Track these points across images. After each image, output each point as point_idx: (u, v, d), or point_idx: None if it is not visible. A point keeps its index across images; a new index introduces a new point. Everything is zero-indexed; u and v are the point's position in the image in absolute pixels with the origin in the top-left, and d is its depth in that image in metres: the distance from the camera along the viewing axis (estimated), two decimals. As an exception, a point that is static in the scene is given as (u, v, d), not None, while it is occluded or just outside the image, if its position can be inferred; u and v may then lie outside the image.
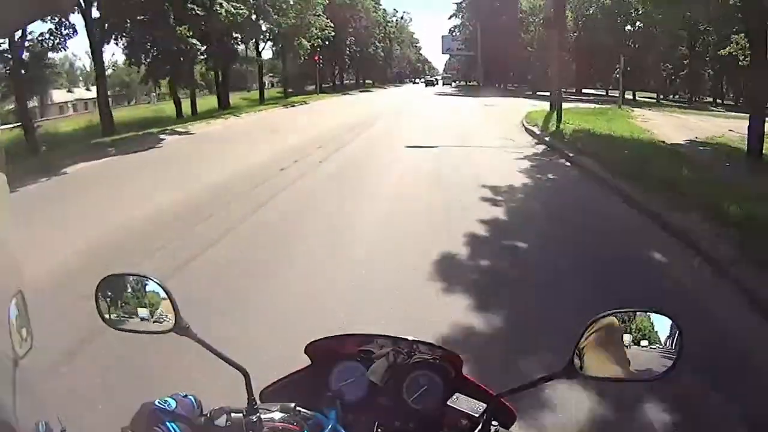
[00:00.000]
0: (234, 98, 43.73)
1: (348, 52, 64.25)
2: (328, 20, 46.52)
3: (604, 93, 64.78)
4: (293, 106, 37.29)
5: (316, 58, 49.72)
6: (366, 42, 69.65)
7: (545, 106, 24.82)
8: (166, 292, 1.23)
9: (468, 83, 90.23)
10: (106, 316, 1.27)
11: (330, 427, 1.18)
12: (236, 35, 34.33)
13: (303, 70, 52.99)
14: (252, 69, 56.17)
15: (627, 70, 54.30)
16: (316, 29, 44.25)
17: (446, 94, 56.50)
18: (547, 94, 59.98)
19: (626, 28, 57.56)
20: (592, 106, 33.30)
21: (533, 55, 58.24)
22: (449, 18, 74.91)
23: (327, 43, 57.40)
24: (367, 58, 73.20)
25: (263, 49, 44.44)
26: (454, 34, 75.77)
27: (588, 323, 1.12)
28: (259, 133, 20.51)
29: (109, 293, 1.26)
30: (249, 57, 42.02)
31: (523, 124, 21.36)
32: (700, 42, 49.37)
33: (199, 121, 25.24)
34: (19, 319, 1.09)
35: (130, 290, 1.26)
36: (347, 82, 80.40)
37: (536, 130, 18.91)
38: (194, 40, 25.71)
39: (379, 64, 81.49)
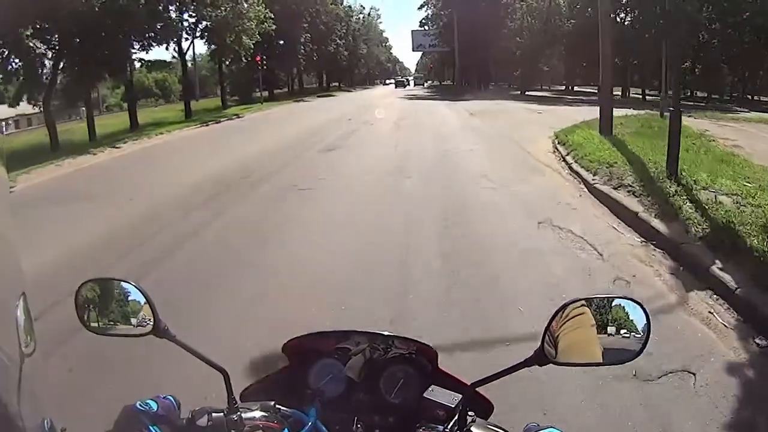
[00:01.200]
0: (163, 112, 36.30)
1: (304, 51, 54.05)
2: (268, 11, 36.19)
3: (597, 90, 55.28)
4: (217, 122, 27.98)
5: (258, 58, 40.58)
6: (325, 40, 59.53)
7: (551, 112, 22.39)
8: (145, 295, 1.22)
9: (441, 83, 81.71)
10: (86, 320, 1.26)
11: (310, 424, 1.17)
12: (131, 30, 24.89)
13: (250, 75, 42.90)
14: (209, 75, 46.89)
15: (632, 63, 45.99)
16: (251, 22, 33.91)
17: (417, 98, 46.54)
18: (539, 94, 52.15)
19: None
20: (624, 112, 23.60)
21: (521, 47, 48.10)
22: (419, 8, 64.41)
23: (278, 41, 48.89)
24: (329, 59, 63.18)
25: (187, 49, 34.96)
26: (425, 27, 65.53)
27: (557, 309, 1.10)
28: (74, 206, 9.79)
29: (89, 298, 1.26)
30: (158, 60, 31.96)
31: (582, 180, 9.96)
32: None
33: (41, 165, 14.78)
34: (25, 320, 1.04)
35: (109, 295, 1.26)
36: (310, 85, 71.18)
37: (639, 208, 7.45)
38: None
39: (343, 64, 71.59)
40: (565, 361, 1.11)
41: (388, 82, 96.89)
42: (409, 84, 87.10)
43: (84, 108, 26.88)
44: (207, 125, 26.10)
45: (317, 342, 1.40)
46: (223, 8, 32.13)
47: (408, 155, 13.68)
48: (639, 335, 1.11)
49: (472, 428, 1.13)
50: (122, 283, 1.26)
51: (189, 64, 36.89)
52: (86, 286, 1.26)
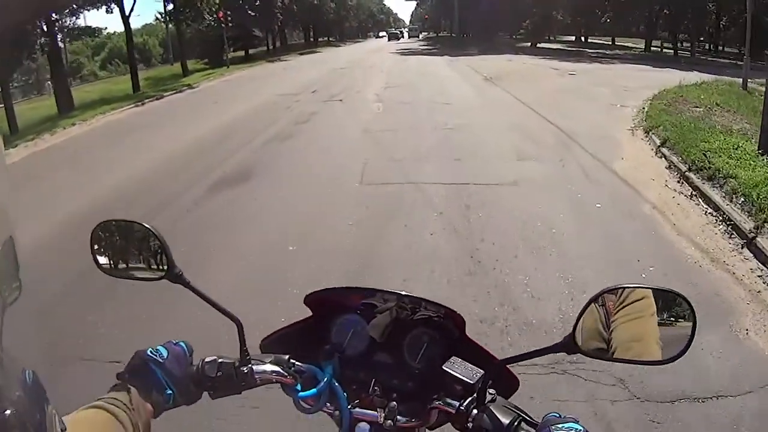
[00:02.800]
0: (115, 84, 30.04)
1: (282, 3, 46.17)
2: None
3: (610, 42, 47.62)
4: (159, 98, 21.22)
5: (221, 15, 33.66)
6: (305, -10, 51.44)
7: (587, 73, 18.80)
8: (160, 239, 1.13)
9: (438, 35, 74.03)
10: (101, 261, 1.19)
11: (325, 381, 1.11)
12: None
13: (220, 34, 35.63)
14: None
15: (666, 14, 38.17)
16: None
17: (412, 52, 38.99)
18: (552, 46, 43.95)
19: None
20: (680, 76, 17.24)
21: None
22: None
23: None
24: (313, 11, 55.21)
25: (131, 10, 27.46)
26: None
27: (592, 297, 0.98)
28: None
29: (104, 239, 1.21)
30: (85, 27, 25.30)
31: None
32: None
33: None
34: (6, 266, 0.85)
35: (124, 237, 1.21)
36: (295, 41, 63.42)
37: None
38: None
39: (330, 17, 63.38)
40: (595, 353, 1.00)
41: (380, 34, 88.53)
42: (403, 36, 79.52)
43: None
44: (143, 104, 19.75)
45: (342, 297, 1.29)
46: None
47: (383, 206, 6.52)
48: (680, 331, 0.97)
49: (491, 407, 1.02)
50: (138, 225, 1.17)
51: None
52: (101, 227, 1.19)
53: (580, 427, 0.93)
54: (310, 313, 1.30)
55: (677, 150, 8.07)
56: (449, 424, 1.11)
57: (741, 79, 16.51)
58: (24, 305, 1.14)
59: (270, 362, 1.13)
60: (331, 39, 74.84)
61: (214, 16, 32.61)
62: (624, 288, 0.98)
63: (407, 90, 16.46)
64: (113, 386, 0.98)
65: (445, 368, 1.10)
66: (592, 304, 0.99)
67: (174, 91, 23.08)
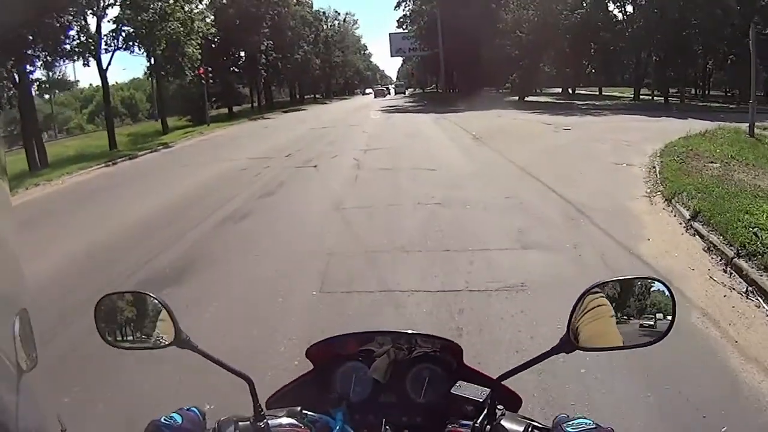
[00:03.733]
0: (95, 140, 28.81)
1: (266, 60, 45.52)
2: (204, 8, 28.62)
3: (597, 92, 47.23)
4: (132, 158, 20.30)
5: (201, 71, 32.49)
6: (292, 47, 50.85)
7: (581, 128, 18.14)
8: (165, 307, 1.18)
9: (425, 90, 74.12)
10: (107, 335, 1.22)
11: (338, 428, 1.16)
12: None
13: (202, 91, 34.57)
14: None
15: (655, 60, 37.35)
16: (181, 24, 25.97)
17: (398, 110, 37.97)
18: (541, 99, 41.52)
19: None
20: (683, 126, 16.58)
21: (518, 44, 39.32)
22: (395, 7, 55.58)
23: (235, 51, 40.86)
24: (298, 68, 54.70)
25: (108, 64, 26.65)
26: (404, 27, 56.73)
27: (581, 294, 1.08)
28: None
29: (109, 312, 1.23)
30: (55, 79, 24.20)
31: None
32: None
33: None
34: (23, 336, 1.01)
35: (128, 308, 1.23)
36: (282, 98, 63.00)
37: None
38: None
39: (316, 74, 62.95)
40: (591, 346, 1.07)
41: (367, 91, 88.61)
42: (389, 93, 79.16)
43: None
44: (114, 164, 18.79)
45: (340, 345, 1.34)
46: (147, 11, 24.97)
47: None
48: (663, 314, 1.08)
49: (502, 422, 1.08)
50: (141, 294, 1.21)
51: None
52: (105, 301, 1.21)
53: (588, 421, 0.97)
54: (312, 367, 1.33)
55: (715, 225, 6.45)
56: None
57: (744, 125, 15.57)
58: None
59: (284, 415, 1.14)
60: (317, 96, 74.67)
61: (195, 72, 31.47)
62: (607, 282, 1.06)
63: (389, 153, 14.90)
64: None
65: (453, 392, 1.13)
66: (581, 302, 1.05)
67: (149, 150, 22.35)
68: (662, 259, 5.91)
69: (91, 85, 45.80)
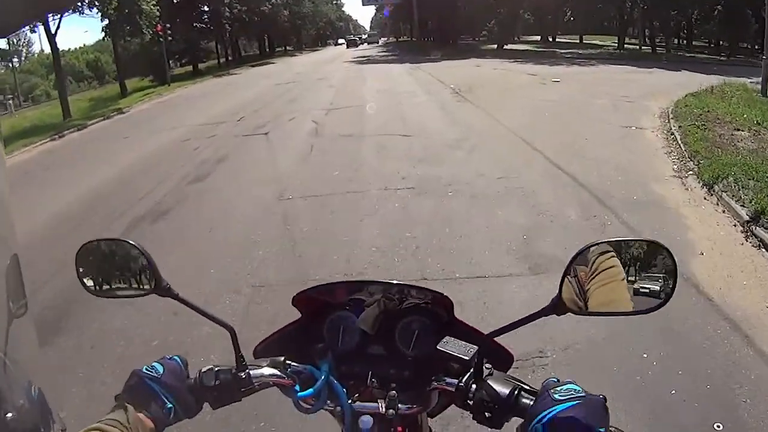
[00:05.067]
0: (53, 107, 26.05)
1: (230, 14, 42.05)
2: None
3: (578, 40, 44.75)
4: (80, 128, 17.69)
5: (159, 28, 29.36)
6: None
7: (573, 79, 16.31)
8: (145, 254, 1.11)
9: (398, 40, 71.33)
10: (88, 283, 1.16)
11: (323, 378, 1.09)
12: None
13: (171, 48, 31.85)
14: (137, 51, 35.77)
15: (643, 8, 34.66)
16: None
17: (370, 60, 34.99)
18: (520, 47, 40.23)
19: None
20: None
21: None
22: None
23: (197, 6, 37.67)
24: (266, 21, 50.87)
25: (57, 28, 23.78)
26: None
27: (575, 254, 0.97)
28: None
29: (89, 260, 1.17)
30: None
31: None
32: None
33: None
34: (13, 281, 1.03)
35: (108, 256, 1.17)
36: (252, 53, 59.61)
37: None
38: None
39: (285, 26, 59.19)
40: (583, 310, 0.98)
41: (339, 42, 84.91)
42: (362, 43, 76.14)
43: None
44: (61, 137, 16.26)
45: (329, 294, 1.29)
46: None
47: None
48: (662, 280, 0.98)
49: (489, 381, 0.99)
50: (122, 242, 1.15)
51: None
52: (85, 248, 1.16)
53: (578, 387, 0.90)
54: (299, 315, 1.28)
55: None
56: (451, 407, 1.10)
57: (746, 80, 14.74)
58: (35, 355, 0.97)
59: (267, 366, 1.09)
60: (288, 48, 71.08)
61: (154, 30, 28.56)
62: (601, 243, 0.97)
63: (355, 114, 12.54)
64: (112, 408, 0.94)
65: (439, 348, 1.06)
66: (573, 265, 0.97)
67: (101, 118, 19.64)
68: (729, 293, 3.96)
69: (60, 49, 43.85)
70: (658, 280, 0.97)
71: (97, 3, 24.28)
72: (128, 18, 26.04)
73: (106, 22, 26.68)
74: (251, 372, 1.06)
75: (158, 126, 14.56)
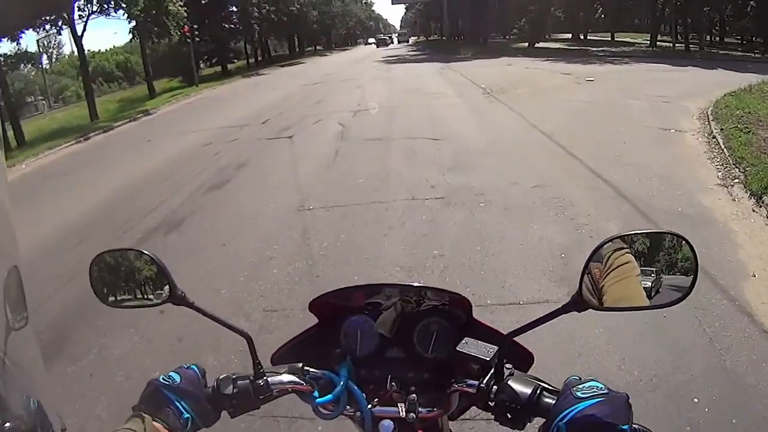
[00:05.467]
0: (82, 109, 24.81)
1: (259, 13, 42.11)
2: None
3: (610, 38, 43.61)
4: (106, 130, 17.89)
5: (186, 29, 29.47)
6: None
7: (607, 79, 15.25)
8: (159, 263, 1.10)
9: (428, 39, 70.86)
10: (102, 294, 1.15)
11: (342, 384, 1.07)
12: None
13: (199, 49, 31.97)
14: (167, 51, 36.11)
15: (676, 3, 33.46)
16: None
17: (399, 60, 34.61)
18: (551, 46, 38.99)
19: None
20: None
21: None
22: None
23: (225, 7, 37.92)
24: (295, 21, 50.83)
25: (83, 30, 23.97)
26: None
27: (594, 248, 0.95)
28: None
29: (103, 270, 1.15)
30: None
31: None
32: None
33: None
34: (14, 294, 1.03)
35: (122, 266, 1.16)
36: (282, 52, 59.83)
37: None
38: None
39: (313, 26, 59.20)
40: (605, 305, 0.95)
41: (369, 41, 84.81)
42: (392, 42, 76.04)
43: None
44: (87, 139, 16.34)
45: (345, 298, 1.25)
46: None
47: None
48: (684, 271, 0.96)
49: (510, 382, 0.98)
50: (134, 251, 1.14)
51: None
52: (99, 259, 1.14)
53: (600, 384, 0.89)
54: (316, 321, 1.27)
55: None
56: (471, 409, 1.10)
57: None
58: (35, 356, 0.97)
59: (285, 372, 1.07)
60: (318, 48, 71.08)
61: (181, 31, 28.57)
62: (615, 239, 0.95)
63: (383, 116, 12.13)
64: (128, 418, 0.93)
65: (458, 349, 1.05)
66: (595, 255, 0.95)
67: (127, 120, 19.66)
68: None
69: (89, 50, 44.95)
70: (678, 274, 0.95)
71: (123, 4, 24.39)
72: (155, 19, 26.13)
73: (134, 23, 26.94)
74: (269, 379, 1.04)
75: (182, 129, 14.43)
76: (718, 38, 38.54)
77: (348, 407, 1.07)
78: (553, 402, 0.90)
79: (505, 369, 1.00)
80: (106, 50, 47.80)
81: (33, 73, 38.16)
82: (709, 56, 25.97)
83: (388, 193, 6.53)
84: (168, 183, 8.38)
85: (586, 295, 0.95)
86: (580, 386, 0.88)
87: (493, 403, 0.97)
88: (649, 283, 0.95)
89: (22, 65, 31.09)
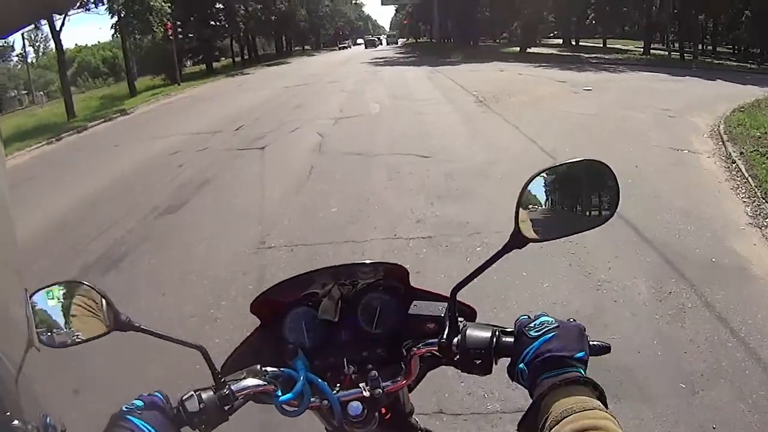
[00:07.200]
0: (58, 105, 24.86)
1: (245, 11, 40.95)
2: None
3: (602, 43, 43.08)
4: (79, 131, 16.88)
5: (168, 26, 28.49)
6: (272, -4, 46.02)
7: (605, 88, 15.01)
8: (99, 292, 1.05)
9: (417, 41, 70.58)
10: (43, 335, 1.05)
11: (302, 378, 1.05)
12: None
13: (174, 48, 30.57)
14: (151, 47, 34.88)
15: (674, 12, 32.71)
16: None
17: (387, 62, 33.59)
18: (543, 51, 37.62)
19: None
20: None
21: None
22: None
23: (211, 4, 36.68)
24: (283, 19, 49.77)
25: (62, 25, 22.82)
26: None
27: (524, 184, 0.96)
28: None
29: (40, 310, 1.06)
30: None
31: None
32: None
33: None
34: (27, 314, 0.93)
35: (61, 301, 1.07)
36: (270, 51, 58.98)
37: None
38: None
39: (302, 25, 58.09)
40: (541, 236, 0.98)
41: (358, 42, 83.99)
42: (381, 43, 75.43)
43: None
44: (59, 140, 15.42)
45: (282, 293, 1.22)
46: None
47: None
48: (607, 194, 0.99)
49: (467, 331, 0.99)
50: (74, 284, 1.07)
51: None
52: (35, 297, 1.05)
53: (550, 319, 0.92)
54: (259, 323, 1.24)
55: None
56: (435, 369, 1.11)
57: None
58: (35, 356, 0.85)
59: (245, 377, 1.03)
60: (306, 48, 71.06)
61: (164, 27, 27.62)
62: (542, 172, 0.97)
63: (366, 124, 11.08)
64: None
65: (410, 313, 1.09)
66: (525, 190, 0.97)
67: (103, 120, 18.70)
68: None
69: (76, 45, 44.45)
70: (603, 195, 0.99)
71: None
72: (137, 15, 25.14)
73: (116, 19, 25.81)
74: (232, 386, 0.99)
75: (154, 132, 13.34)
76: (710, 47, 38.10)
77: (313, 399, 1.04)
78: (512, 341, 0.92)
79: (458, 323, 1.00)
80: (93, 45, 46.86)
81: (18, 67, 37.23)
82: (705, 66, 25.39)
83: (365, 228, 5.47)
84: (123, 201, 7.33)
85: (524, 230, 0.95)
86: (531, 324, 0.89)
87: (458, 356, 0.97)
88: (579, 208, 1.00)
89: (5, 59, 30.20)
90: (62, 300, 1.06)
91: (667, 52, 32.72)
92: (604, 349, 0.91)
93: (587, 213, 1.00)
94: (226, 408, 0.98)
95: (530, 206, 0.97)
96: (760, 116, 10.38)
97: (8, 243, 0.89)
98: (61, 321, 1.06)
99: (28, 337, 0.86)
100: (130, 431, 0.88)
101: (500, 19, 39.88)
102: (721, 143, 8.60)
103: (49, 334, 1.04)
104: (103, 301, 1.02)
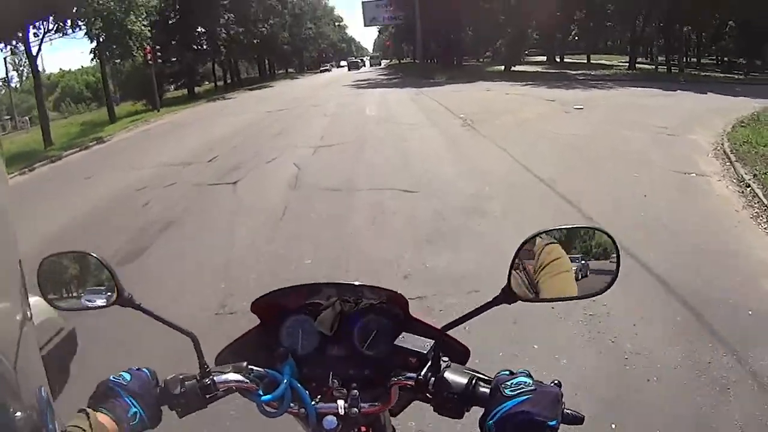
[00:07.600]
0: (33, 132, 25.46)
1: (227, 35, 40.44)
2: None
3: (586, 59, 43.10)
4: (54, 160, 16.19)
5: (148, 51, 27.41)
6: (255, 21, 45.59)
7: (595, 107, 14.59)
8: (106, 266, 1.10)
9: (401, 61, 70.89)
10: (50, 297, 1.15)
11: (285, 382, 1.09)
12: None
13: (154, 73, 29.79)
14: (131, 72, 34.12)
15: (660, 25, 32.60)
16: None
17: (370, 84, 32.94)
18: (528, 69, 35.67)
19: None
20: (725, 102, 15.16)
21: (506, 8, 34.41)
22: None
23: (191, 29, 36.09)
24: (266, 43, 49.38)
25: (38, 51, 22.16)
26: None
27: (521, 243, 1.00)
28: None
29: (50, 275, 1.14)
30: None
31: None
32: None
33: None
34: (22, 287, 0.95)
35: (71, 268, 1.17)
36: (254, 74, 58.62)
37: None
38: None
39: (285, 48, 57.76)
40: (533, 297, 1.01)
41: (342, 64, 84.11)
42: (364, 65, 75.49)
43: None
44: (31, 170, 14.66)
45: (286, 299, 1.27)
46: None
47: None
48: (607, 264, 1.01)
49: (446, 374, 1.01)
50: (82, 254, 1.14)
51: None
52: (47, 262, 1.13)
53: (529, 381, 0.90)
54: (259, 322, 1.27)
55: None
56: (413, 404, 1.13)
57: None
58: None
59: (230, 372, 1.08)
60: (289, 70, 71.46)
61: (143, 52, 26.81)
62: (542, 234, 0.99)
63: (347, 155, 10.33)
64: (74, 415, 0.91)
65: (396, 344, 1.08)
66: (519, 256, 0.99)
67: (78, 149, 18.01)
68: None
69: (60, 69, 43.93)
70: (603, 265, 0.98)
71: (80, 24, 22.58)
72: (117, 39, 24.38)
73: (95, 43, 25.14)
74: (215, 378, 1.04)
75: (126, 162, 12.60)
76: (694, 59, 38.13)
77: (292, 404, 1.07)
78: (488, 391, 0.91)
79: (441, 361, 1.01)
80: (77, 70, 46.20)
81: (2, 92, 36.72)
82: (693, 78, 25.27)
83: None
84: (76, 246, 6.41)
85: (516, 288, 0.97)
86: (509, 383, 0.88)
87: (431, 395, 0.99)
88: (576, 275, 0.98)
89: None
90: (72, 269, 1.13)
91: (653, 66, 32.59)
92: (578, 420, 0.87)
93: (583, 281, 0.98)
94: (207, 396, 1.02)
95: (526, 268, 0.98)
96: (765, 132, 9.91)
97: (8, 243, 0.90)
98: (68, 288, 1.14)
99: (23, 310, 0.85)
100: (112, 399, 0.93)
101: (483, 37, 39.57)
102: (729, 163, 8.10)
103: (58, 297, 1.12)
104: (110, 275, 1.06)
